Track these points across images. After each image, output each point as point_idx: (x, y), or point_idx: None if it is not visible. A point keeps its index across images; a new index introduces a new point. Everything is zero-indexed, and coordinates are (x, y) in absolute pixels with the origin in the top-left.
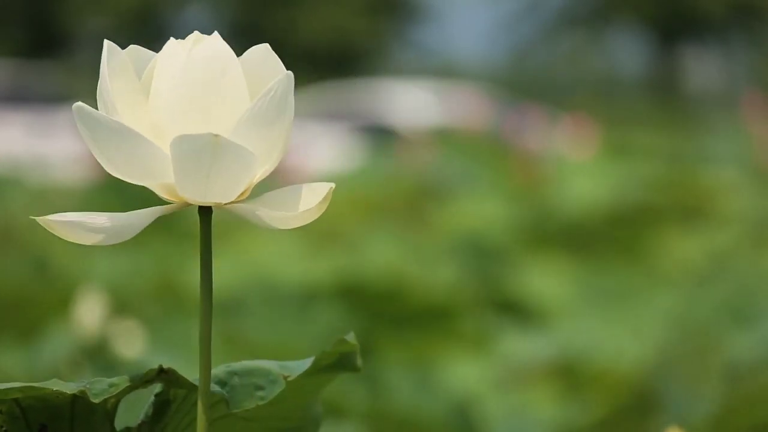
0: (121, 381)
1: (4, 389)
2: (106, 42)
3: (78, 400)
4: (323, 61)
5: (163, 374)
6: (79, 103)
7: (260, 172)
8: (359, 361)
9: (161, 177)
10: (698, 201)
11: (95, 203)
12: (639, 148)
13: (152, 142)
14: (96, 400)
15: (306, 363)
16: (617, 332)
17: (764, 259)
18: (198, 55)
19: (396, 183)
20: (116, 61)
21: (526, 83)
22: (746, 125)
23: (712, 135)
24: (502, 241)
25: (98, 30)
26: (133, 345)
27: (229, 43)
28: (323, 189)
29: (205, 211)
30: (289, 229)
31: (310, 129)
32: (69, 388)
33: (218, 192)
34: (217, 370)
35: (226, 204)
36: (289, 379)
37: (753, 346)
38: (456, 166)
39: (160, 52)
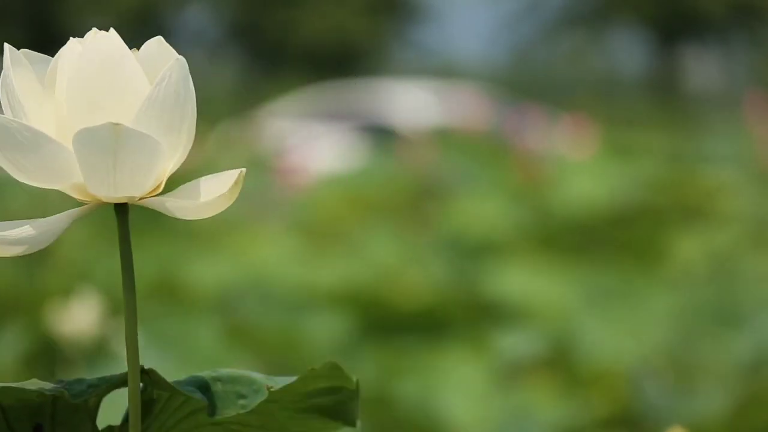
0: (101, 382)
1: None
2: (7, 46)
3: (59, 399)
4: (323, 61)
5: (144, 375)
6: None
7: (170, 164)
8: (357, 414)
9: (70, 177)
10: (698, 201)
11: None
12: (639, 148)
13: (56, 140)
14: (75, 401)
15: (291, 378)
16: (617, 332)
17: (765, 259)
18: (92, 51)
19: (396, 183)
20: (20, 64)
21: (526, 83)
22: (746, 125)
23: (712, 135)
24: (502, 240)
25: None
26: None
27: (229, 43)
28: (234, 175)
29: (121, 208)
30: (288, 230)
31: (310, 129)
32: (47, 389)
33: (127, 185)
34: (203, 374)
35: (139, 199)
36: (272, 389)
37: (754, 347)
38: (456, 166)
39: (59, 51)
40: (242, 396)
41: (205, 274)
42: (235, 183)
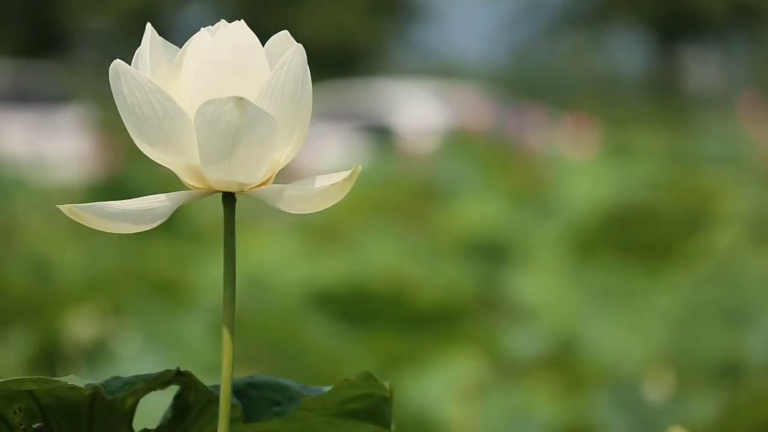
0: (136, 380)
1: (17, 380)
2: (148, 26)
3: (97, 399)
4: (323, 61)
5: (180, 376)
6: (118, 61)
7: (283, 154)
8: (390, 416)
9: (187, 155)
10: (698, 201)
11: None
12: (639, 148)
13: (184, 111)
14: (110, 398)
15: (325, 388)
16: (618, 332)
17: (765, 259)
18: (223, 40)
19: (396, 183)
20: (156, 44)
21: (526, 83)
22: (746, 125)
23: (713, 135)
24: (502, 240)
25: (99, 29)
26: (128, 343)
27: None
28: (348, 170)
29: (229, 198)
30: (288, 230)
31: (311, 129)
32: (83, 384)
33: (242, 170)
34: (237, 380)
35: (249, 189)
36: (307, 398)
37: (755, 347)
38: (456, 166)
39: (191, 39)
40: (277, 403)
41: (206, 275)
42: (351, 175)
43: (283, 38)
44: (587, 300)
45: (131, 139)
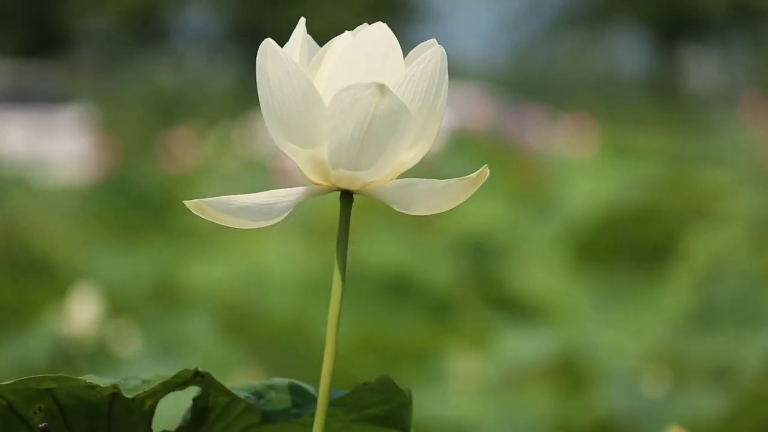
0: (155, 378)
1: (37, 378)
2: (302, 21)
3: (116, 400)
4: None
5: (199, 377)
6: (269, 40)
7: (410, 153)
8: (410, 421)
9: (316, 144)
10: (699, 201)
11: (96, 203)
12: (639, 147)
13: (320, 95)
14: (129, 396)
15: (342, 393)
16: (618, 331)
17: (765, 259)
18: (362, 38)
19: None
20: (304, 40)
21: (526, 83)
22: (746, 125)
23: (713, 135)
24: (502, 240)
25: (99, 29)
26: (129, 344)
27: (229, 43)
28: (477, 170)
29: (347, 197)
30: (289, 230)
31: None
32: (102, 382)
33: (368, 162)
34: (256, 382)
35: (371, 185)
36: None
37: (755, 347)
38: (457, 165)
39: (331, 41)
40: (296, 405)
41: (206, 275)
42: (480, 174)
43: (430, 45)
44: (587, 299)
45: (131, 139)
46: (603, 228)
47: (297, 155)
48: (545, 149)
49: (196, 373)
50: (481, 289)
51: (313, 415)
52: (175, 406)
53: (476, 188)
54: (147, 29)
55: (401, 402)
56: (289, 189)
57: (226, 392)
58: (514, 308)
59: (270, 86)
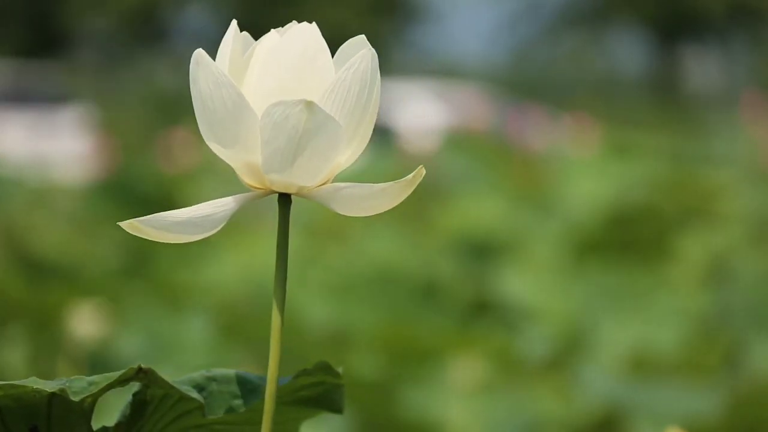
0: (102, 380)
1: None
2: (233, 22)
3: (55, 399)
4: None
5: (142, 374)
6: (200, 50)
7: (344, 156)
8: (342, 402)
9: (250, 153)
10: (699, 201)
11: (96, 203)
12: (639, 147)
13: (252, 107)
14: (76, 398)
15: (285, 379)
16: (618, 331)
17: (765, 259)
18: (290, 40)
19: None
20: (237, 39)
21: (526, 83)
22: (746, 125)
23: (713, 135)
24: (503, 240)
25: (99, 29)
26: (131, 344)
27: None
28: (413, 172)
29: (285, 200)
30: (290, 230)
31: None
32: (48, 386)
33: (303, 171)
34: (196, 375)
35: (307, 189)
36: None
37: (755, 346)
38: (457, 165)
39: (260, 40)
40: (236, 396)
41: (206, 275)
42: (415, 175)
43: (359, 42)
44: (587, 299)
45: (130, 139)
46: (603, 227)
47: (232, 161)
48: (545, 149)
49: (140, 369)
50: (480, 288)
51: (254, 406)
52: (115, 403)
53: (412, 189)
54: (147, 29)
55: (334, 384)
56: (226, 198)
57: (166, 386)
58: (514, 308)
59: (202, 97)
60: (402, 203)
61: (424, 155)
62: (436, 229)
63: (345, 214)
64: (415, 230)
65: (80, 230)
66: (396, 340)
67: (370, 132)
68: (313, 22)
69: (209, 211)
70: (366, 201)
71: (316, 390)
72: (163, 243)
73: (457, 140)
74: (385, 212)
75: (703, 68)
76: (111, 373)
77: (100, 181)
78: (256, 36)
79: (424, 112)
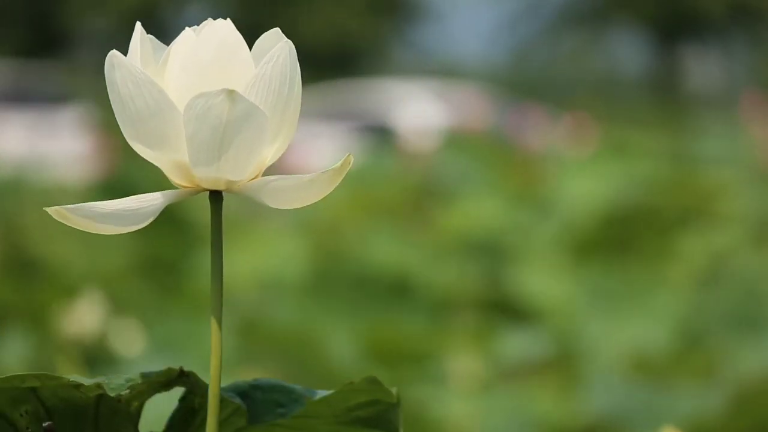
0: (138, 377)
1: (20, 376)
2: (138, 24)
3: (102, 401)
4: (323, 61)
5: (184, 377)
6: (114, 51)
7: (271, 150)
8: (399, 423)
9: (176, 151)
10: (699, 201)
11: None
12: (639, 147)
13: (174, 104)
14: (112, 394)
15: (329, 392)
16: (617, 331)
17: (765, 258)
18: (207, 37)
19: (397, 183)
20: (144, 42)
21: (526, 83)
22: (746, 125)
23: (713, 135)
24: (502, 240)
25: (99, 29)
26: (131, 344)
27: None
28: (340, 160)
29: (216, 197)
30: (289, 230)
31: (311, 129)
32: (86, 381)
33: (230, 166)
34: (242, 382)
35: (237, 185)
36: (309, 401)
37: (755, 346)
38: (457, 165)
39: (177, 38)
40: (281, 405)
41: (206, 275)
42: (342, 164)
43: (274, 35)
44: (586, 299)
45: None
46: (602, 227)
47: (158, 161)
48: (545, 149)
49: (181, 372)
50: (480, 288)
51: (299, 414)
52: (163, 407)
53: (341, 178)
54: (147, 29)
55: (389, 403)
56: (155, 193)
57: (206, 389)
58: (513, 307)
59: (121, 98)
60: (401, 203)
61: (424, 155)
62: (435, 229)
63: (276, 207)
64: (414, 230)
65: (80, 230)
66: (395, 339)
67: (295, 126)
68: (228, 19)
69: (137, 205)
70: (296, 192)
71: (372, 410)
72: (165, 240)
73: (457, 140)
74: (384, 212)
75: (703, 68)
76: (149, 372)
77: (99, 181)
78: (257, 36)
79: (423, 111)
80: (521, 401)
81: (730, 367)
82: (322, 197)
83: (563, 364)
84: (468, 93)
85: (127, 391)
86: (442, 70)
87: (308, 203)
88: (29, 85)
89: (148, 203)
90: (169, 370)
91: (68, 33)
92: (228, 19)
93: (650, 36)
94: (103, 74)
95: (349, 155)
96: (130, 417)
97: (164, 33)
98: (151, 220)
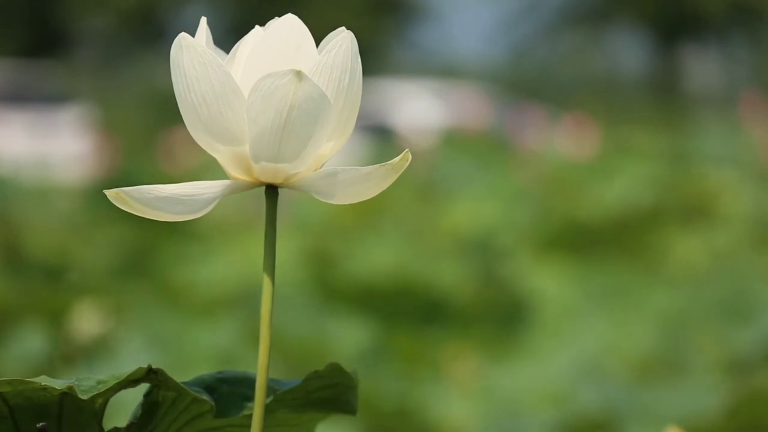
0: (110, 379)
1: None
2: (203, 20)
3: (66, 399)
4: None
5: (152, 374)
6: (184, 33)
7: (331, 143)
8: (356, 403)
9: (236, 140)
10: (699, 201)
11: (96, 203)
12: (639, 147)
13: (239, 87)
14: (84, 397)
15: (296, 381)
16: (617, 330)
17: (765, 258)
18: (274, 30)
19: (396, 183)
20: (208, 36)
21: (526, 83)
22: (746, 125)
23: (713, 135)
24: (502, 240)
25: (99, 29)
26: (133, 345)
27: (229, 43)
28: (399, 155)
29: (272, 192)
30: (290, 230)
31: None
32: (57, 384)
33: (291, 155)
34: (207, 376)
35: (294, 178)
36: (277, 392)
37: (754, 346)
38: (456, 165)
39: (244, 37)
40: (248, 398)
41: (207, 275)
42: (403, 157)
43: (340, 32)
44: (586, 298)
45: (131, 139)
46: (602, 227)
47: (218, 152)
48: (545, 149)
49: (150, 369)
50: (479, 288)
51: (266, 407)
52: (127, 403)
53: (398, 174)
54: (147, 29)
55: (347, 385)
56: (212, 182)
57: (177, 387)
58: (513, 307)
59: (187, 80)
60: (401, 203)
61: (423, 154)
62: (434, 228)
63: (331, 201)
64: (414, 229)
65: (79, 230)
66: (395, 339)
67: (353, 122)
68: (295, 16)
69: (195, 191)
70: (352, 186)
71: (330, 392)
72: (166, 241)
73: (457, 140)
74: (383, 211)
75: (703, 68)
76: (120, 373)
77: (99, 181)
78: None
79: (423, 111)
80: (521, 401)
81: (729, 366)
82: (377, 192)
83: (564, 363)
84: (467, 93)
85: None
86: (442, 70)
87: (363, 198)
88: (29, 85)
89: (206, 190)
90: (139, 369)
91: (68, 33)
92: (292, 16)
93: (650, 36)
94: (103, 74)
95: (407, 151)
96: (95, 414)
97: (164, 33)
98: (207, 209)
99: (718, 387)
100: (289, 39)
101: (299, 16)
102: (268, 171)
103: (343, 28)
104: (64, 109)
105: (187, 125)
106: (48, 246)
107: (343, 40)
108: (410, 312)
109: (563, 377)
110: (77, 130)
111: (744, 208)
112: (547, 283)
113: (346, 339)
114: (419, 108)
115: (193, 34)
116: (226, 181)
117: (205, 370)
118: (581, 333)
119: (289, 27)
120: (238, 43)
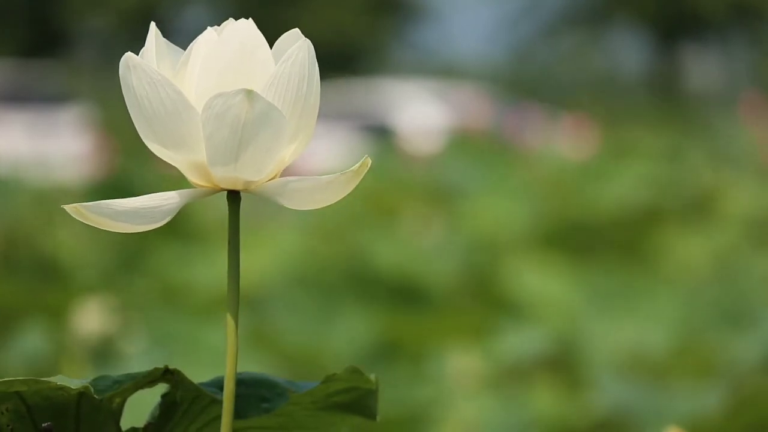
0: (126, 379)
1: (7, 382)
2: (152, 24)
3: (83, 399)
4: (323, 61)
5: (169, 375)
6: (130, 54)
7: (290, 149)
8: (376, 408)
9: (194, 151)
10: (699, 201)
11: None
12: (639, 147)
13: (191, 103)
14: (100, 397)
15: (310, 384)
16: (617, 330)
17: (765, 259)
18: (228, 36)
19: (396, 182)
20: (159, 43)
21: (526, 83)
22: (746, 125)
23: (713, 135)
24: (503, 240)
25: (99, 29)
26: (135, 345)
27: None
28: (358, 162)
29: (234, 197)
30: (290, 231)
31: None
32: (73, 384)
33: (249, 166)
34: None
35: (254, 185)
36: (294, 394)
37: (754, 347)
38: (456, 165)
39: (197, 38)
40: (265, 399)
41: (207, 275)
42: (360, 166)
43: (293, 35)
44: (586, 298)
45: (131, 139)
46: (602, 227)
47: (176, 161)
48: (545, 149)
49: (166, 370)
50: (479, 287)
51: (284, 410)
52: (147, 403)
53: (359, 180)
54: (147, 29)
55: (367, 389)
56: (173, 192)
57: (195, 388)
58: (513, 307)
59: (138, 100)
60: (401, 203)
61: (424, 155)
62: (435, 229)
63: (293, 208)
64: (414, 229)
65: (80, 230)
66: (396, 339)
67: (313, 125)
68: (250, 19)
69: (154, 203)
70: (313, 194)
71: (349, 396)
72: (167, 241)
73: (457, 140)
74: (383, 212)
75: (703, 68)
76: (136, 373)
77: (99, 181)
78: None
79: (423, 112)
80: (521, 401)
81: (729, 367)
82: (339, 199)
83: (563, 363)
84: (468, 93)
85: (113, 393)
86: (442, 70)
87: (325, 205)
88: (29, 85)
89: (165, 202)
90: (155, 369)
91: (68, 33)
92: (246, 20)
93: (650, 36)
94: (103, 74)
95: (366, 157)
96: (112, 414)
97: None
98: (168, 219)
99: (718, 388)
100: (244, 46)
101: (299, 16)
102: (227, 180)
103: (298, 30)
104: (64, 109)
105: (143, 139)
106: (47, 246)
107: (299, 49)
108: (413, 312)
109: None
110: (77, 130)
111: (744, 208)
112: (548, 282)
113: (346, 338)
114: (419, 108)
115: (193, 35)
116: (186, 190)
117: (204, 370)
118: (581, 333)
119: (242, 33)
120: (192, 44)
